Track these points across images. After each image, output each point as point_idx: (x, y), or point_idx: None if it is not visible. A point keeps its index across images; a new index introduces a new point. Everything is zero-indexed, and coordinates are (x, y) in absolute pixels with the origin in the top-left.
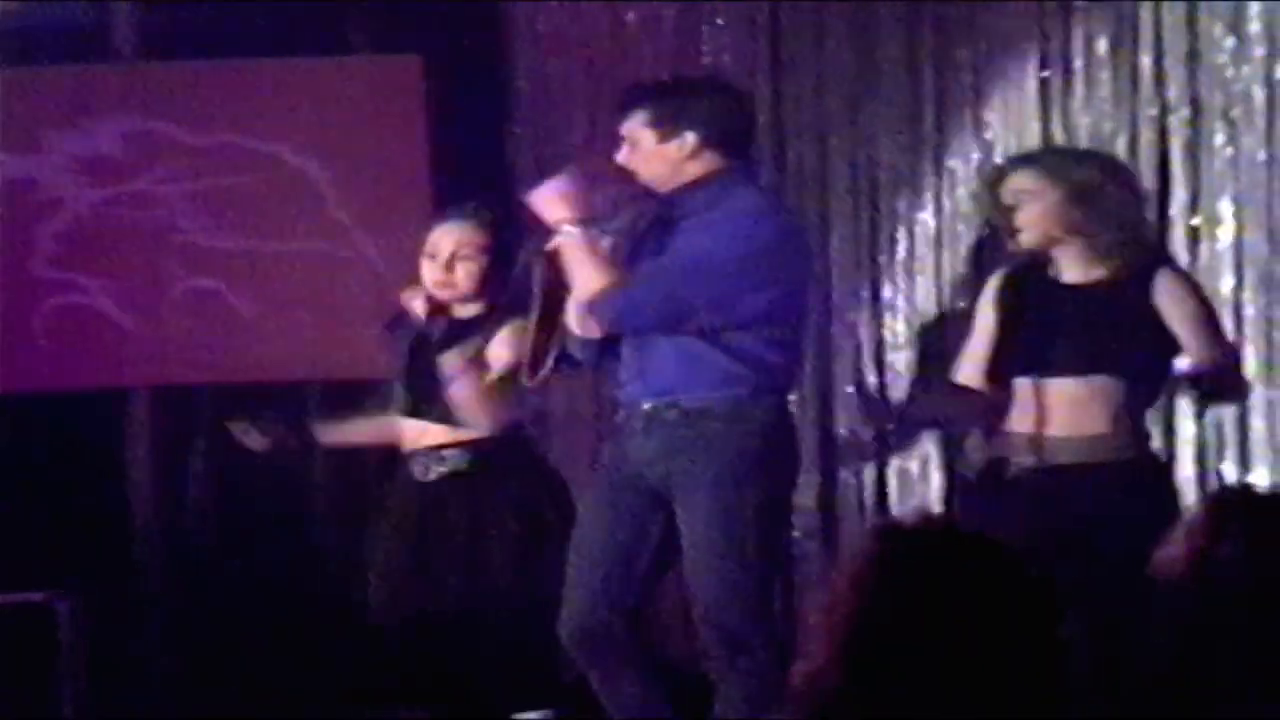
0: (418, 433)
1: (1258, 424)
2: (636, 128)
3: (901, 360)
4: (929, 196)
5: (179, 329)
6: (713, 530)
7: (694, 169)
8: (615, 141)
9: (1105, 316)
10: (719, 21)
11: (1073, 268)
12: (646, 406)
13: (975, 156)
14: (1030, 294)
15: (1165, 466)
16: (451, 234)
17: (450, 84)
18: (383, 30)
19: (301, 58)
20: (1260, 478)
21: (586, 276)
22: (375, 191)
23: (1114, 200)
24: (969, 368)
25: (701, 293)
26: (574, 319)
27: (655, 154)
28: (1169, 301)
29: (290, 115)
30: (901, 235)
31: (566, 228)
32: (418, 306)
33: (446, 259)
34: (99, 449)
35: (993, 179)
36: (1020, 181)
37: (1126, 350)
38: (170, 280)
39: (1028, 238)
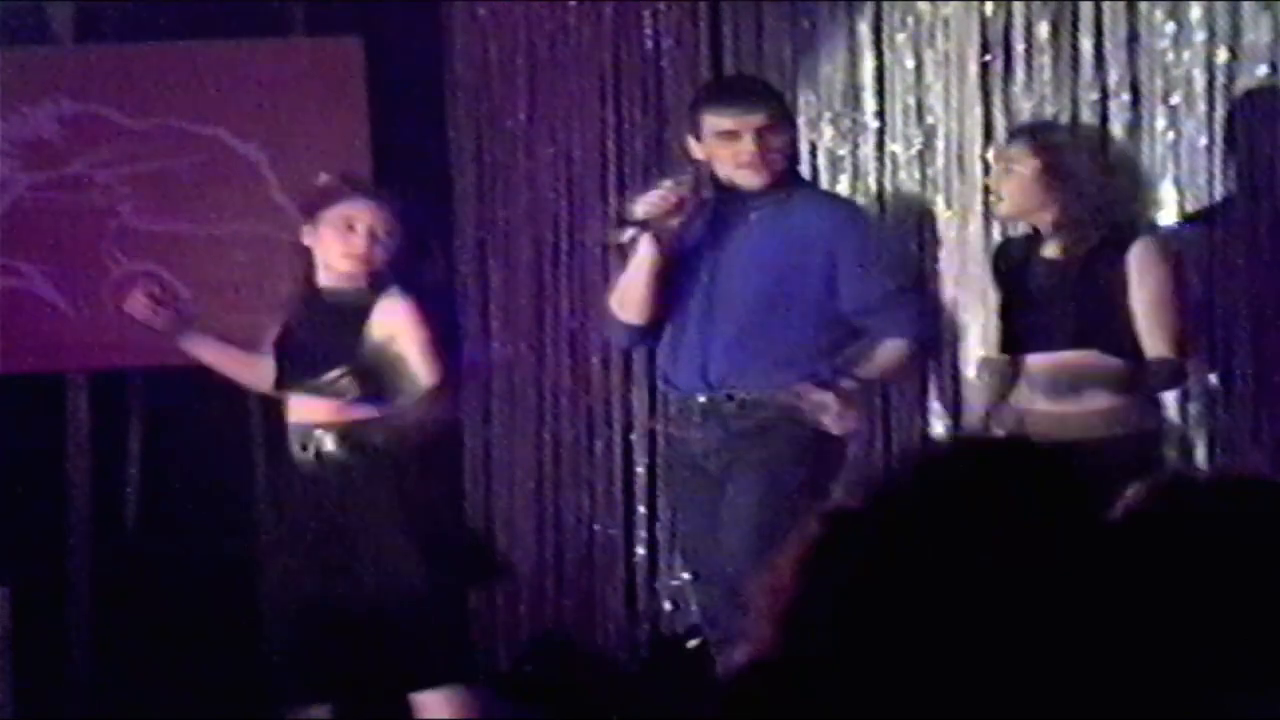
0: (300, 406)
1: (1194, 409)
2: (759, 121)
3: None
4: (871, 181)
5: (119, 313)
6: (756, 506)
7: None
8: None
9: (1088, 291)
10: (660, 6)
11: (1052, 242)
12: (703, 399)
13: (916, 141)
14: (1018, 268)
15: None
16: (373, 212)
17: (390, 67)
18: (322, 13)
19: (241, 40)
20: (1200, 462)
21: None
22: (316, 174)
23: (1087, 175)
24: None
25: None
26: (619, 304)
27: (772, 148)
28: (1135, 273)
29: (230, 98)
30: None
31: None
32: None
33: (367, 234)
34: (37, 434)
35: (998, 151)
36: (1009, 152)
37: (1113, 324)
38: (110, 264)
39: (1005, 207)
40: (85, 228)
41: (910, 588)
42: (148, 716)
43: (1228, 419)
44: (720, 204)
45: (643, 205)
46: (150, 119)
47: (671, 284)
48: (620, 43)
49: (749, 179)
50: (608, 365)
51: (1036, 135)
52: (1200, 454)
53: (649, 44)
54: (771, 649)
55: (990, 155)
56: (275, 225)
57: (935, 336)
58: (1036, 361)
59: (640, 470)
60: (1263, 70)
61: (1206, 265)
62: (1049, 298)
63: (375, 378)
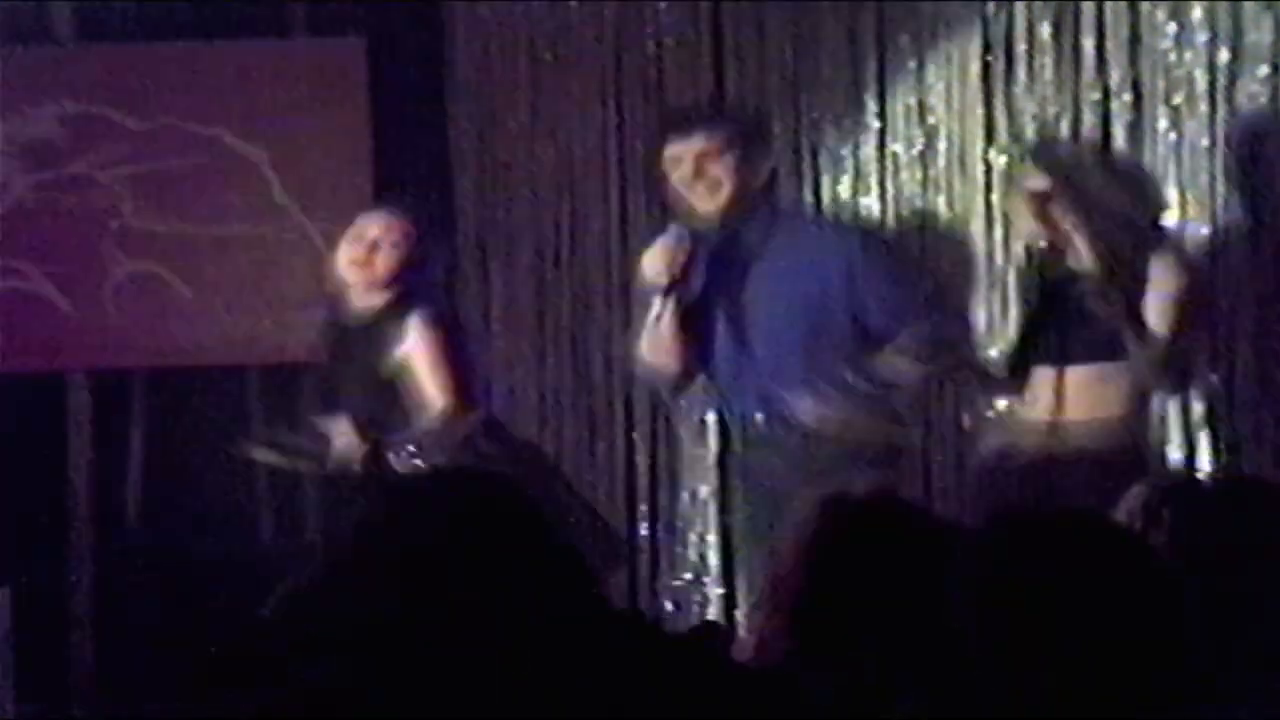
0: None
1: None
2: (698, 146)
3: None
4: (873, 181)
5: (119, 313)
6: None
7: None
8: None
9: (1108, 308)
10: (661, 7)
11: (1075, 257)
12: (760, 418)
13: (918, 141)
14: (1045, 285)
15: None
16: (383, 222)
17: (391, 67)
18: (324, 13)
19: (243, 40)
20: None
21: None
22: (317, 175)
23: (1100, 189)
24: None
25: None
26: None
27: (710, 174)
28: (1151, 285)
29: (231, 98)
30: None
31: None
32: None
33: (372, 243)
34: (38, 434)
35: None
36: (1021, 173)
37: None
38: (111, 264)
39: (1022, 227)
40: (86, 228)
41: (910, 575)
42: (148, 717)
43: (1228, 419)
44: (719, 240)
45: (658, 269)
46: (152, 119)
47: (696, 327)
48: (621, 43)
49: (698, 205)
50: (609, 365)
51: (1048, 153)
52: (1201, 455)
53: (650, 44)
54: (776, 637)
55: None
56: (276, 225)
57: (963, 337)
58: (1068, 373)
59: (641, 471)
60: (1264, 70)
61: (1208, 265)
62: (1079, 311)
63: (382, 415)
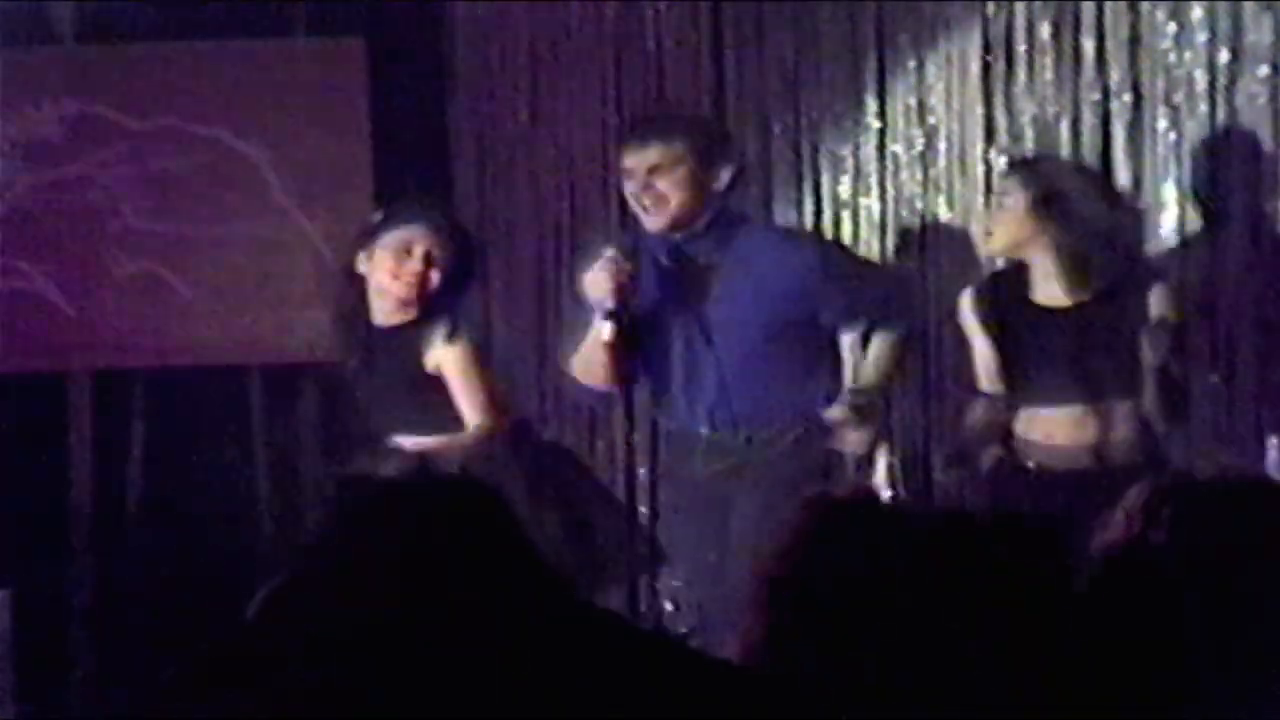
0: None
1: (1199, 411)
2: (651, 160)
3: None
4: (873, 182)
5: (121, 313)
6: (758, 524)
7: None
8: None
9: (1101, 340)
10: (661, 7)
11: (1047, 282)
12: (705, 431)
13: (918, 142)
14: (1011, 313)
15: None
16: (429, 236)
17: (392, 67)
18: (324, 13)
19: (243, 40)
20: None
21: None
22: (317, 175)
23: (1084, 209)
24: (984, 378)
25: None
26: (582, 373)
27: (658, 189)
28: (1151, 317)
29: (231, 98)
30: (846, 221)
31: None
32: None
33: (423, 258)
34: (38, 434)
35: (989, 187)
36: (1001, 186)
37: (1132, 370)
38: (111, 264)
39: (996, 243)
40: (86, 228)
41: (899, 579)
42: (148, 717)
43: (1230, 419)
44: (674, 249)
45: (600, 292)
46: (152, 119)
47: (640, 344)
48: (622, 43)
49: (645, 219)
50: None
51: (1028, 167)
52: (1203, 455)
53: (650, 44)
54: (761, 642)
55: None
56: (276, 226)
57: (917, 324)
58: (1060, 412)
59: (641, 471)
60: (1264, 71)
61: (1208, 266)
62: (1055, 348)
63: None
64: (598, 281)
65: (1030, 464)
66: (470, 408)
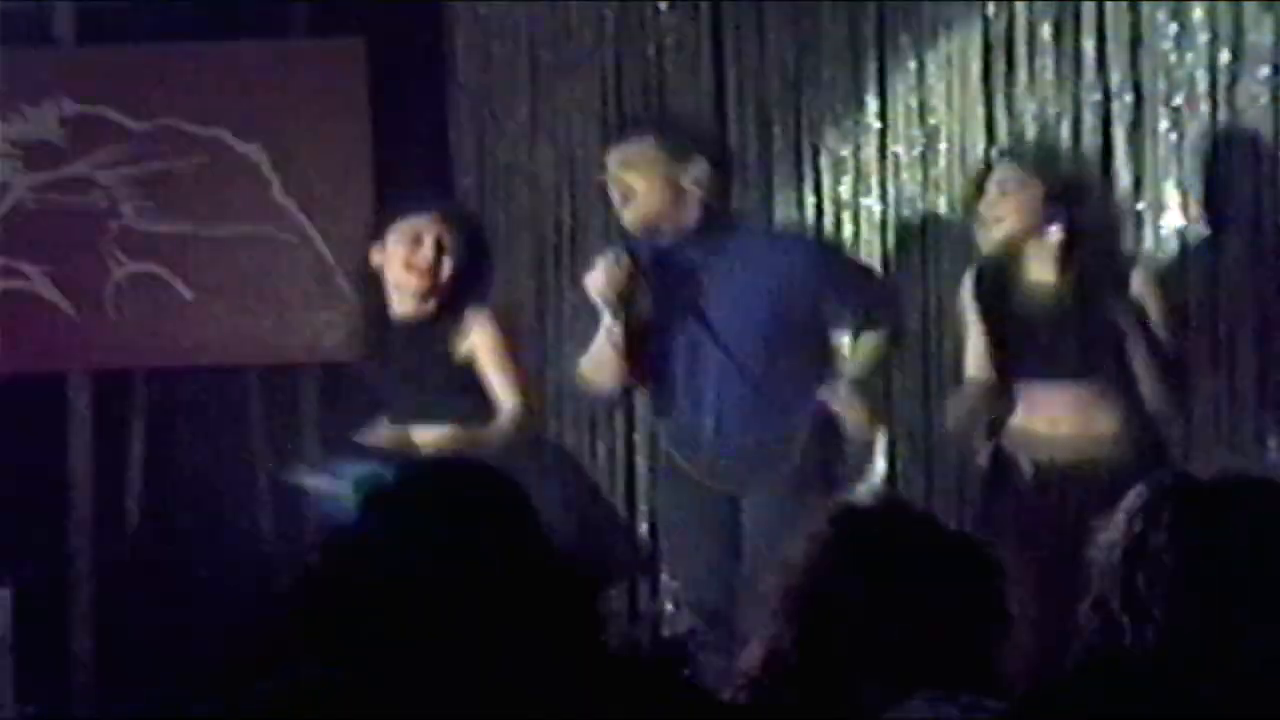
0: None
1: (1199, 411)
2: (639, 161)
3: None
4: (874, 182)
5: (119, 313)
6: (769, 527)
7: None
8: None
9: (1092, 318)
10: (661, 8)
11: (1045, 267)
12: (709, 433)
13: (919, 142)
14: (1009, 293)
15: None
16: (439, 224)
17: (392, 67)
18: (324, 13)
19: (243, 40)
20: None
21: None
22: (318, 175)
23: (1094, 203)
24: (974, 364)
25: None
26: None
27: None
28: (1142, 299)
29: (231, 99)
30: (846, 221)
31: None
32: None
33: (434, 246)
34: (38, 434)
35: (981, 170)
36: (1005, 172)
37: (1119, 354)
38: (111, 265)
39: (1004, 229)
40: (87, 228)
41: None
42: (148, 717)
43: (1230, 419)
44: (670, 252)
45: (603, 290)
46: (152, 120)
47: (646, 345)
48: (622, 43)
49: (623, 218)
50: None
51: (1035, 156)
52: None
53: (650, 45)
54: (787, 645)
55: (973, 178)
56: (277, 226)
57: (906, 324)
58: (1056, 388)
59: (641, 471)
60: (1265, 71)
61: (1209, 266)
62: (1065, 327)
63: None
64: (598, 280)
65: (1028, 465)
66: (505, 389)
